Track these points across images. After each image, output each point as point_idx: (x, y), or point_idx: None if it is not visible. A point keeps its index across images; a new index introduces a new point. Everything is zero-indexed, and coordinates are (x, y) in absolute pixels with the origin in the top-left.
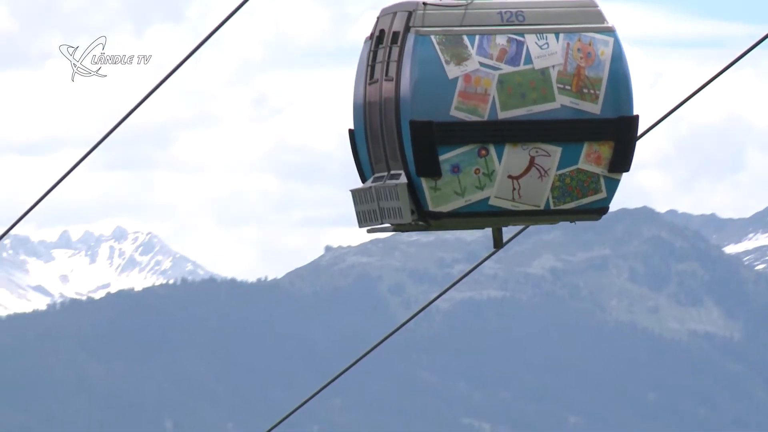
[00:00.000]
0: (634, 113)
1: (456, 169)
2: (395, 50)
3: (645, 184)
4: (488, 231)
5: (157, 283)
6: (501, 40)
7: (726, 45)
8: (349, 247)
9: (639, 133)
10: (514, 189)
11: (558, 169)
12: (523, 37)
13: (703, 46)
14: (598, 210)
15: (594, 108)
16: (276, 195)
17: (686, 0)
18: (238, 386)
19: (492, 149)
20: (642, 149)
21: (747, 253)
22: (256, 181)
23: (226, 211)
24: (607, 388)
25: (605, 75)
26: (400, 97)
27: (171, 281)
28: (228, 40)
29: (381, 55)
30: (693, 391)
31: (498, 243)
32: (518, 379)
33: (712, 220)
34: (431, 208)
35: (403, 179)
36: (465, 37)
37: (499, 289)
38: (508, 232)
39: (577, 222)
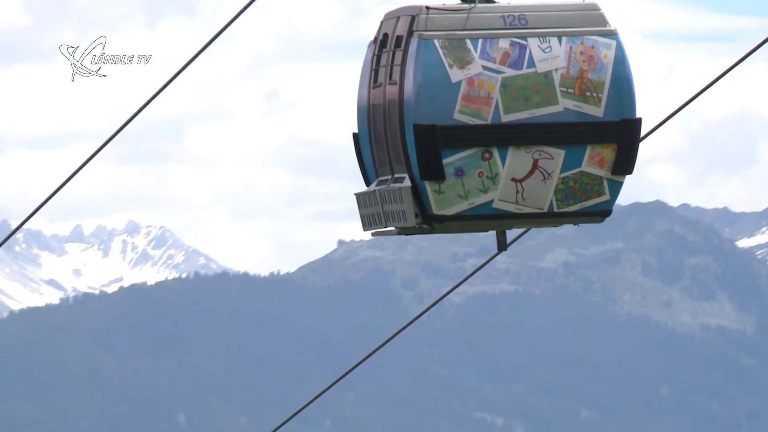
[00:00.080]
0: (637, 116)
1: (460, 173)
2: (399, 54)
3: (658, 178)
4: None
5: (170, 277)
6: (504, 43)
7: (738, 39)
8: (361, 241)
9: (652, 127)
10: (517, 192)
11: (561, 171)
12: (526, 40)
13: (716, 40)
14: (602, 212)
15: (597, 111)
16: (288, 189)
17: None
18: (251, 380)
19: (495, 152)
20: (655, 143)
21: (760, 246)
22: (269, 175)
23: (238, 205)
24: (619, 382)
25: (608, 78)
26: (404, 101)
27: (184, 275)
28: (240, 34)
29: (385, 59)
30: (706, 385)
31: (502, 245)
32: (531, 373)
33: (724, 213)
34: (435, 211)
35: (407, 182)
36: (468, 41)
37: (511, 283)
38: (511, 233)
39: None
